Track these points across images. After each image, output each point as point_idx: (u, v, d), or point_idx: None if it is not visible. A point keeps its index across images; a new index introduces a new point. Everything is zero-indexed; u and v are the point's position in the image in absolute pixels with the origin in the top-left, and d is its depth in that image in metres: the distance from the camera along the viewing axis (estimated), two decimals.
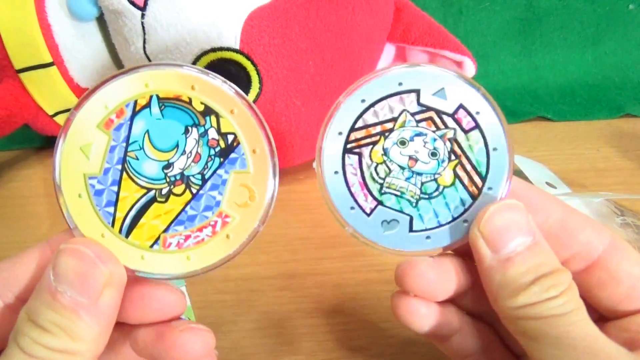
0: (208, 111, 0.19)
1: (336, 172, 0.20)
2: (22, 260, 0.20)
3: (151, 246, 0.19)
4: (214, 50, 0.37)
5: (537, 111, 0.61)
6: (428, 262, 0.21)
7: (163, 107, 0.19)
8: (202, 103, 0.19)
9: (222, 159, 0.19)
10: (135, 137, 0.19)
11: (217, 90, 0.19)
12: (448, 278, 0.21)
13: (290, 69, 0.38)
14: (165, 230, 0.19)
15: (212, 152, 0.19)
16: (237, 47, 0.37)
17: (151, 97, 0.18)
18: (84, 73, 0.45)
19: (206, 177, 0.19)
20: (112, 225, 0.19)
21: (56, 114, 0.47)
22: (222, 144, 0.19)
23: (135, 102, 0.18)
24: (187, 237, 0.19)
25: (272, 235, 0.40)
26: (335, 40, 0.39)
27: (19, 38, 0.42)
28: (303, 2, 0.38)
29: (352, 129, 0.20)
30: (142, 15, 0.37)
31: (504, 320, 0.19)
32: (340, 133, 0.20)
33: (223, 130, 0.19)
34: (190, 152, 0.19)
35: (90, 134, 0.18)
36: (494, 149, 0.20)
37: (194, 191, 0.19)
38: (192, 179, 0.19)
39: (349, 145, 0.20)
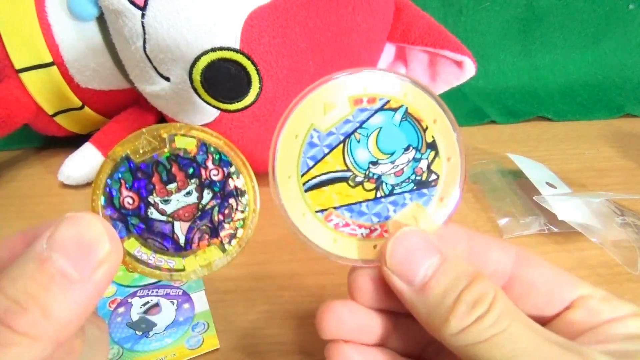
0: (433, 146, 0.20)
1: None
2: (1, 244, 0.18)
3: (317, 211, 0.20)
4: (214, 50, 0.37)
5: (537, 111, 0.61)
6: (348, 306, 0.21)
7: (404, 119, 0.20)
8: (432, 137, 0.20)
9: (415, 187, 0.20)
10: (368, 126, 0.20)
11: (447, 129, 0.20)
12: (370, 319, 0.21)
13: (290, 69, 0.38)
14: (336, 208, 0.20)
15: (413, 177, 0.20)
16: (237, 46, 0.37)
17: (402, 105, 0.20)
18: (84, 73, 0.45)
19: (395, 191, 0.21)
20: (303, 174, 0.20)
21: (56, 114, 0.47)
22: (424, 177, 0.21)
23: (388, 101, 0.20)
24: (346, 225, 0.20)
25: (272, 235, 0.40)
26: (335, 40, 0.39)
27: (19, 38, 0.42)
28: (303, 2, 0.38)
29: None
30: (143, 15, 0.37)
31: (454, 351, 0.18)
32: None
33: (433, 167, 0.21)
34: (398, 165, 0.20)
35: (339, 98, 0.20)
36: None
37: (379, 195, 0.21)
38: (384, 185, 0.20)
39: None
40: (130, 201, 0.19)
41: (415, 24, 0.45)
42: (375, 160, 0.20)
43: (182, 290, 0.34)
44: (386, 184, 0.20)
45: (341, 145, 0.20)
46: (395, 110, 0.20)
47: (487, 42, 0.69)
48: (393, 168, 0.20)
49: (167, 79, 0.40)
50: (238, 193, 0.20)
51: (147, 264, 0.19)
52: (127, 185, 0.19)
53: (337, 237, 0.20)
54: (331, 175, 0.20)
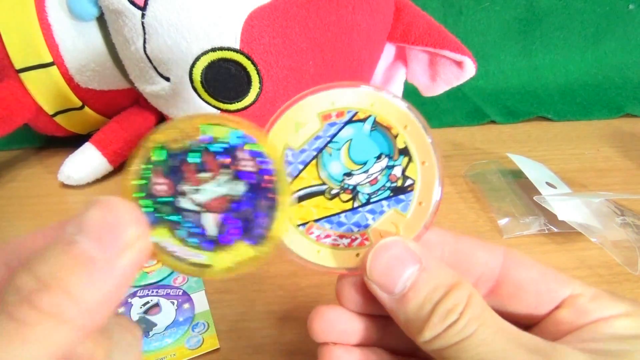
0: (405, 152, 0.21)
1: None
2: (37, 234, 0.18)
3: (299, 225, 0.21)
4: (214, 49, 0.37)
5: (537, 111, 0.61)
6: (336, 311, 0.21)
7: (374, 128, 0.20)
8: (404, 143, 0.21)
9: (392, 194, 0.21)
10: (339, 139, 0.21)
11: (419, 134, 0.21)
12: (359, 322, 0.22)
13: (290, 69, 0.38)
14: (317, 220, 0.21)
15: (389, 184, 0.21)
16: (238, 46, 0.37)
17: (370, 116, 0.20)
18: (84, 73, 0.45)
19: (371, 200, 0.21)
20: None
21: (56, 114, 0.47)
22: (400, 183, 0.21)
23: (356, 113, 0.20)
24: (328, 236, 0.21)
25: None
26: (335, 40, 0.39)
27: (19, 38, 0.42)
28: (303, 2, 0.38)
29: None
30: (143, 15, 0.37)
31: (430, 354, 0.19)
32: None
33: (407, 173, 0.21)
34: (372, 174, 0.21)
35: (308, 116, 0.21)
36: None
37: (355, 205, 0.21)
38: (360, 195, 0.21)
39: None
40: (162, 189, 0.18)
41: (415, 24, 0.45)
42: (349, 171, 0.21)
43: (182, 290, 0.34)
44: (362, 193, 0.21)
45: (314, 160, 0.21)
46: (364, 120, 0.21)
47: (487, 42, 0.69)
48: (367, 177, 0.21)
49: (167, 79, 0.40)
50: (272, 191, 0.19)
51: (174, 256, 0.19)
52: (160, 173, 0.19)
53: (320, 249, 0.21)
54: (308, 190, 0.21)
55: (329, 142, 0.21)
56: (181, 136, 0.19)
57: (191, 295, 0.34)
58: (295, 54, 0.38)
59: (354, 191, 0.21)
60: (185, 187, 0.19)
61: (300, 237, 0.21)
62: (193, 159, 0.19)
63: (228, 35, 0.37)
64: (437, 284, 0.19)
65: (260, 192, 0.19)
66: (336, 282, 0.22)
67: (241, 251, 0.19)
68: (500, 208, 0.42)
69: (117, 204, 0.16)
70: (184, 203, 0.19)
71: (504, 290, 0.21)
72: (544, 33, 0.70)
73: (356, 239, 0.21)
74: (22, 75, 0.43)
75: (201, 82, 0.38)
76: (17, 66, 0.43)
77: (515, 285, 0.21)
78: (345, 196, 0.21)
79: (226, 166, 0.19)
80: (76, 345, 0.16)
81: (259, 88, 0.38)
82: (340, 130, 0.21)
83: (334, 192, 0.21)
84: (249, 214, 0.19)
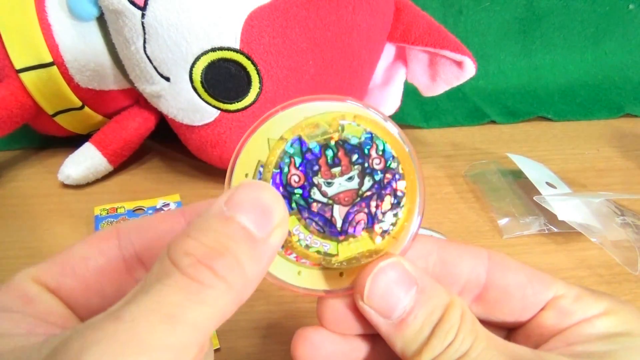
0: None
1: None
2: (153, 219, 0.19)
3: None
4: (214, 49, 0.37)
5: (537, 111, 0.61)
6: (321, 333, 0.21)
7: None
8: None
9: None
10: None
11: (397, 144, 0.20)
12: (345, 344, 0.21)
13: (290, 69, 0.38)
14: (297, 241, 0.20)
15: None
16: (237, 46, 0.37)
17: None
18: (84, 73, 0.45)
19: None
20: None
21: (56, 114, 0.47)
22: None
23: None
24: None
25: None
26: (335, 40, 0.39)
27: (19, 38, 0.42)
28: (303, 2, 0.38)
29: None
30: (143, 15, 0.37)
31: None
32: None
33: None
34: None
35: (281, 132, 0.20)
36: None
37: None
38: None
39: None
40: (296, 179, 0.20)
41: (415, 24, 0.45)
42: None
43: None
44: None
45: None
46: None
47: (487, 42, 0.69)
48: None
49: (167, 79, 0.40)
50: (397, 194, 0.20)
51: (302, 244, 0.20)
52: (295, 164, 0.19)
53: (301, 269, 0.20)
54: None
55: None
56: (320, 132, 0.20)
57: None
58: (295, 54, 0.38)
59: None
60: (318, 180, 0.20)
61: (279, 258, 0.20)
62: (329, 153, 0.20)
63: (228, 35, 0.37)
64: (434, 306, 0.18)
65: (386, 188, 0.20)
66: (317, 304, 0.21)
67: (364, 243, 0.20)
68: (500, 208, 0.42)
69: (265, 186, 0.17)
70: (314, 194, 0.20)
71: (490, 296, 0.21)
72: (544, 33, 0.70)
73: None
74: (22, 75, 0.44)
75: (201, 82, 0.38)
76: (17, 66, 0.43)
77: (500, 290, 0.21)
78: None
79: (356, 162, 0.20)
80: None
81: (259, 88, 0.38)
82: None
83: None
84: (374, 208, 0.20)
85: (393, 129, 0.20)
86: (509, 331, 0.21)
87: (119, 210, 0.42)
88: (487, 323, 0.20)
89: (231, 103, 0.39)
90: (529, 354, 0.18)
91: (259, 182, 0.18)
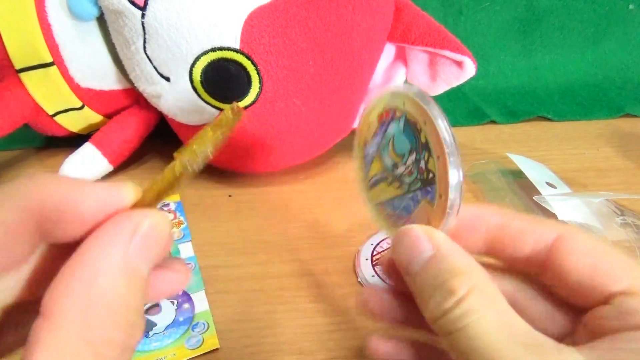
0: (426, 147, 0.22)
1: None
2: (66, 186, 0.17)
3: (376, 204, 0.26)
4: (214, 49, 0.37)
5: (537, 111, 0.61)
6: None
7: (406, 125, 0.23)
8: (425, 138, 0.22)
9: (422, 185, 0.23)
10: (388, 136, 0.24)
11: (433, 129, 0.22)
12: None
13: (290, 69, 0.38)
14: (383, 202, 0.25)
15: (419, 176, 0.23)
16: (238, 46, 0.37)
17: (403, 114, 0.23)
18: (84, 73, 0.45)
19: (411, 189, 0.24)
20: (366, 176, 0.26)
21: (56, 114, 0.47)
22: (426, 176, 0.23)
23: (395, 112, 0.23)
24: (390, 215, 0.25)
25: (272, 235, 0.40)
26: (335, 40, 0.39)
27: (19, 38, 0.42)
28: (303, 2, 0.38)
29: None
30: (143, 15, 0.37)
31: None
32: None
33: (429, 167, 0.22)
34: (408, 166, 0.23)
35: (373, 117, 0.25)
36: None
37: (401, 193, 0.24)
38: (404, 184, 0.24)
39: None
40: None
41: (415, 24, 0.45)
42: (395, 163, 0.24)
43: (182, 290, 0.34)
44: (404, 183, 0.24)
45: (377, 153, 0.25)
46: (399, 118, 0.23)
47: (487, 42, 0.69)
48: (406, 169, 0.23)
49: (167, 79, 0.40)
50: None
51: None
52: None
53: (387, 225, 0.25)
54: (377, 177, 0.25)
55: (383, 138, 0.24)
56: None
57: (191, 295, 0.34)
58: (295, 54, 0.38)
59: (400, 180, 0.24)
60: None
61: (375, 211, 0.26)
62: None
63: (228, 35, 0.37)
64: (445, 268, 0.19)
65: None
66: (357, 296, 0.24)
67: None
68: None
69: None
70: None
71: (548, 275, 0.21)
72: (544, 33, 0.70)
73: (407, 221, 0.24)
74: (22, 75, 0.44)
75: (201, 82, 0.38)
76: (17, 66, 0.43)
77: (557, 273, 0.20)
78: (396, 184, 0.24)
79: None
80: None
81: (259, 88, 0.38)
82: (387, 128, 0.24)
83: (389, 180, 0.24)
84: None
85: (431, 112, 0.22)
86: (577, 313, 0.20)
87: None
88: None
89: (231, 103, 0.39)
90: (547, 344, 0.17)
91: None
